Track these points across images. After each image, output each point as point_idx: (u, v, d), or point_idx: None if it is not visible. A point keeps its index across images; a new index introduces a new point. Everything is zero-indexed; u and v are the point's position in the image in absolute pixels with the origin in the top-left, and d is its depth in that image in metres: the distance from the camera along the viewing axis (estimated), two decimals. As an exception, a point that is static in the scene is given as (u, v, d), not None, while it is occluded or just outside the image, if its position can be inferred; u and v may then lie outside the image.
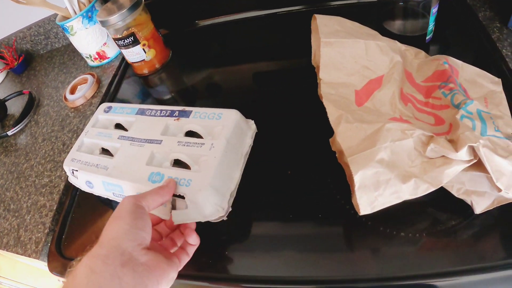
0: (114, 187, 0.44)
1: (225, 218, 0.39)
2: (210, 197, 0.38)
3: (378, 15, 0.57)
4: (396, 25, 0.56)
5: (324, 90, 0.39)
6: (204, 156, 0.40)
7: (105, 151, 0.50)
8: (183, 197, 0.38)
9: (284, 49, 0.64)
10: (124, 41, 0.64)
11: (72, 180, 0.52)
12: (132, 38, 0.64)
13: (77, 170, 0.48)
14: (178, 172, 0.40)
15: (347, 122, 0.35)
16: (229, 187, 0.40)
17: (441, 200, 0.37)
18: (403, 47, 0.47)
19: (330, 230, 0.40)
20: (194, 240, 0.37)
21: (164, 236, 0.39)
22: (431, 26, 0.53)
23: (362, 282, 0.36)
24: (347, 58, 0.42)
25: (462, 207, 0.37)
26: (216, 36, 0.75)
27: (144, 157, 0.43)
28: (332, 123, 0.36)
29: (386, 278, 0.35)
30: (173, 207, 0.39)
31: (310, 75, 0.52)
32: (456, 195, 0.37)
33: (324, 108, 0.39)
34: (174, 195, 0.39)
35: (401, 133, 0.34)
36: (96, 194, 0.50)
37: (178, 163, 0.44)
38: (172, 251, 0.37)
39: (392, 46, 0.44)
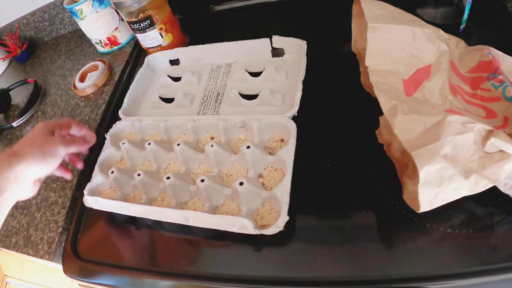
0: None
1: (282, 229, 0.37)
2: None
3: (412, 0, 0.55)
4: (430, 12, 0.54)
5: (373, 79, 0.36)
6: None
7: None
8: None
9: (306, 34, 0.61)
10: (139, 25, 0.61)
11: None
12: (148, 22, 0.60)
13: None
14: None
15: (403, 113, 0.33)
16: None
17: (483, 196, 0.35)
18: (446, 35, 0.44)
19: (374, 227, 0.38)
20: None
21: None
22: (466, 15, 0.51)
23: (406, 282, 0.34)
24: (393, 45, 0.39)
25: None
26: (232, 21, 0.71)
27: None
28: (386, 114, 0.34)
29: (434, 277, 0.34)
30: None
31: (350, 62, 0.49)
32: (502, 190, 0.35)
33: (367, 98, 0.36)
34: None
35: (462, 127, 0.32)
36: None
37: None
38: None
39: (437, 34, 0.41)
